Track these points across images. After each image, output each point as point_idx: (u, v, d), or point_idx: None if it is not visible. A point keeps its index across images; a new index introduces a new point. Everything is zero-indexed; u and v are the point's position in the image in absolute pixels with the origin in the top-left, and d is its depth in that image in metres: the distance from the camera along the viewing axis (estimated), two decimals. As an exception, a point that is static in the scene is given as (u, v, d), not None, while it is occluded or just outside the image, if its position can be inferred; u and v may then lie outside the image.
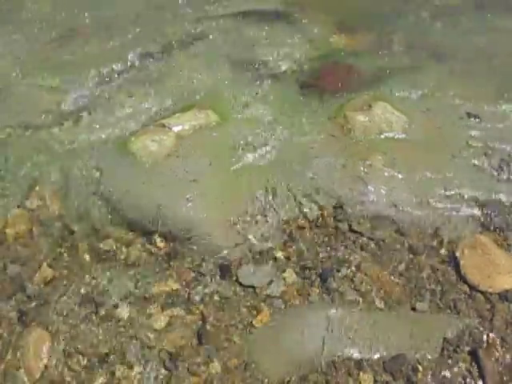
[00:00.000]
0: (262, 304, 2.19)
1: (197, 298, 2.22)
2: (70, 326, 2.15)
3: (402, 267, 2.30)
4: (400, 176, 2.54)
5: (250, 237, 2.39)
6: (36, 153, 2.80)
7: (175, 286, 2.26)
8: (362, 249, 2.36)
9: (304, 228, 2.44)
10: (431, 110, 2.90)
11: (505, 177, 2.54)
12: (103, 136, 2.87)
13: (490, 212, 2.43)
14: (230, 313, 2.17)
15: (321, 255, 2.34)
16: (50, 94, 3.20)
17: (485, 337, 2.05)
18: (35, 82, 3.30)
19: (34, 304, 2.22)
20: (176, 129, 2.79)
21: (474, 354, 2.00)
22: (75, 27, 3.85)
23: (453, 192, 2.48)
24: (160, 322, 2.14)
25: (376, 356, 2.02)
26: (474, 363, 1.98)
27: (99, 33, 3.78)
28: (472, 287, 2.21)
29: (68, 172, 2.67)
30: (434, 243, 2.37)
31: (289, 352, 2.05)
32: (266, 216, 2.45)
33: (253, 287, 2.25)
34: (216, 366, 2.02)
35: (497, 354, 2.00)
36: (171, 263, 2.34)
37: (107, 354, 2.06)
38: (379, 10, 3.99)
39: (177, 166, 2.60)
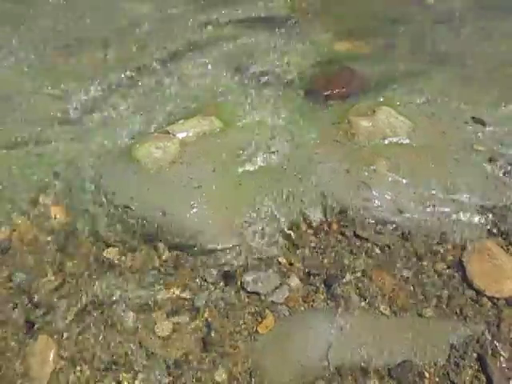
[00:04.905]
0: (267, 310, 2.18)
1: (201, 304, 2.21)
2: (75, 333, 2.15)
3: (407, 273, 2.28)
4: (404, 181, 2.53)
5: (255, 243, 2.39)
6: (41, 161, 2.82)
7: (180, 293, 2.26)
8: (366, 254, 2.35)
9: (308, 234, 2.44)
10: (436, 115, 2.89)
11: (511, 181, 2.53)
12: (108, 143, 2.89)
13: (496, 217, 2.42)
14: (234, 319, 2.17)
15: (325, 261, 2.34)
16: (55, 103, 3.23)
17: (492, 342, 2.03)
18: (41, 91, 3.33)
19: (40, 311, 2.22)
20: (180, 135, 2.80)
21: (481, 360, 1.98)
22: (82, 36, 3.89)
23: (458, 197, 2.47)
24: (165, 329, 2.14)
25: (382, 362, 2.01)
26: (481, 369, 1.96)
27: (105, 41, 3.82)
28: (479, 292, 2.19)
29: (73, 180, 2.69)
30: (440, 248, 2.35)
31: (294, 359, 2.04)
32: (270, 222, 2.45)
33: (257, 294, 2.24)
34: (221, 373, 2.01)
35: (504, 359, 1.98)
36: (176, 270, 2.34)
37: (112, 362, 2.06)
38: (382, 16, 4.00)
39: (181, 173, 2.60)
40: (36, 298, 2.26)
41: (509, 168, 2.58)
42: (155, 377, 2.01)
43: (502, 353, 2.00)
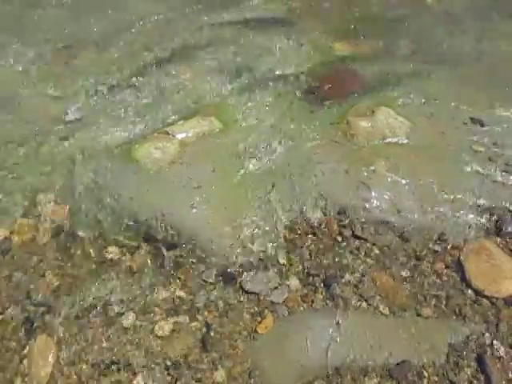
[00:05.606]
0: (266, 311, 2.19)
1: (201, 304, 2.22)
2: (75, 333, 2.15)
3: (406, 273, 2.29)
4: (403, 181, 2.53)
5: (254, 243, 2.39)
6: (41, 161, 2.83)
7: (179, 293, 2.27)
8: (365, 255, 2.36)
9: (307, 234, 2.44)
10: (435, 116, 2.89)
11: (509, 182, 2.53)
12: (107, 144, 2.89)
13: (494, 217, 2.42)
14: (234, 320, 2.17)
15: (324, 261, 2.34)
16: (55, 104, 3.24)
17: (491, 342, 2.03)
18: (41, 92, 3.34)
19: (39, 311, 2.23)
20: (180, 136, 2.80)
21: (480, 360, 1.99)
22: (82, 36, 3.90)
23: (457, 197, 2.47)
24: (164, 329, 2.15)
25: (381, 362, 2.01)
26: (480, 369, 1.97)
27: (105, 43, 3.82)
28: (477, 292, 2.19)
29: (73, 180, 2.70)
30: (439, 249, 2.36)
31: (293, 359, 2.04)
32: (269, 222, 2.46)
33: (257, 294, 2.25)
34: (220, 374, 2.01)
35: (503, 359, 1.99)
36: (175, 270, 2.34)
37: (112, 362, 2.06)
38: (382, 16, 4.01)
39: (181, 173, 2.61)
40: (36, 298, 2.27)
41: (507, 168, 2.58)
42: (155, 377, 2.01)
43: (500, 352, 2.00)
